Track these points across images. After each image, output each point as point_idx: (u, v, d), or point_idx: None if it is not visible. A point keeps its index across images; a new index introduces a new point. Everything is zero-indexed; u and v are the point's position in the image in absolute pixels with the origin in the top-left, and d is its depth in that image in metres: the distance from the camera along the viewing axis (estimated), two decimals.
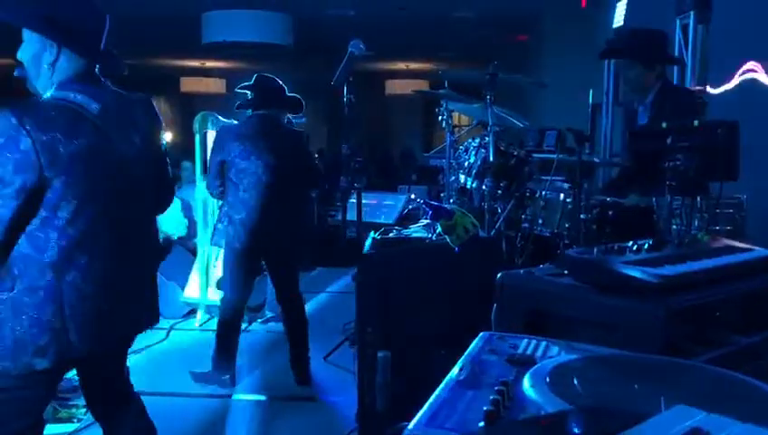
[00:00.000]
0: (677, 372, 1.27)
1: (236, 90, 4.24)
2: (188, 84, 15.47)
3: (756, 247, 2.16)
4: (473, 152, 3.79)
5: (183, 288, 5.63)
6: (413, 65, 15.53)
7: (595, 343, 1.43)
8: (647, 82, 3.57)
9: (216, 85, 15.34)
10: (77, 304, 1.97)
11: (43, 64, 2.01)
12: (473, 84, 4.37)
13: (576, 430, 0.93)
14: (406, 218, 4.88)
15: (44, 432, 2.18)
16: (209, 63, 14.60)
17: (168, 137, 10.77)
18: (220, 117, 5.45)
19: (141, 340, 3.45)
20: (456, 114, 4.85)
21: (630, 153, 3.84)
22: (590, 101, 3.48)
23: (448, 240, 2.83)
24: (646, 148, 3.25)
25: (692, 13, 4.55)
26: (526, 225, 3.68)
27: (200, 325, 5.46)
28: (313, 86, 8.59)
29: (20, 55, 2.06)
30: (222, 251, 5.62)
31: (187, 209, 6.16)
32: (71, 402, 3.58)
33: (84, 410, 3.43)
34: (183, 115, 14.87)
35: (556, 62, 9.06)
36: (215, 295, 5.56)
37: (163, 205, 2.44)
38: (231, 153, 3.91)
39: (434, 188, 6.78)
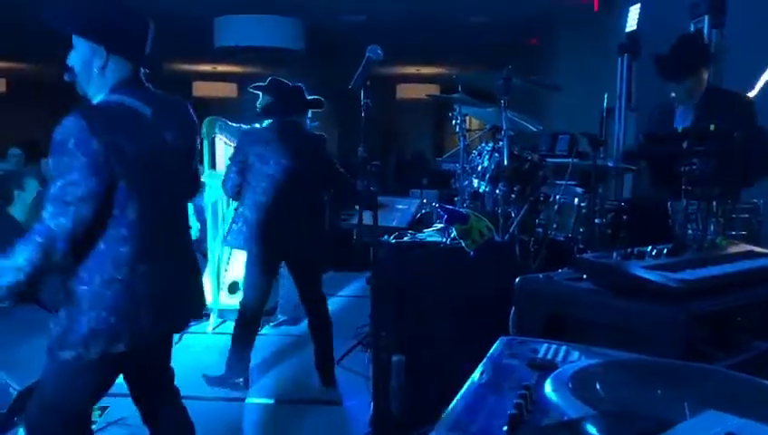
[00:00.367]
0: (700, 377, 1.26)
1: (250, 89, 4.26)
2: (201, 89, 15.52)
3: None
4: (486, 156, 3.79)
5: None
6: (424, 69, 15.52)
7: (615, 348, 1.42)
8: (700, 88, 3.51)
9: (228, 89, 15.38)
10: (148, 293, 2.14)
11: (94, 69, 2.11)
12: (485, 88, 4.37)
13: None
14: (418, 222, 4.87)
15: None
16: (221, 68, 14.65)
17: None
18: (229, 121, 5.46)
19: None
20: (467, 118, 4.84)
21: (644, 157, 3.83)
22: (605, 105, 3.45)
23: (463, 244, 2.83)
24: (661, 151, 3.24)
25: (706, 17, 4.53)
26: (540, 229, 3.67)
27: (213, 329, 5.46)
28: (325, 91, 8.60)
29: (70, 61, 2.15)
30: (233, 254, 5.69)
31: (200, 213, 6.17)
32: None
33: (99, 412, 3.44)
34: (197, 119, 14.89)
35: (568, 66, 9.03)
36: (227, 299, 5.58)
37: (191, 198, 2.63)
38: (251, 156, 3.94)
39: (445, 193, 6.77)
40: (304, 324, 4.43)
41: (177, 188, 2.33)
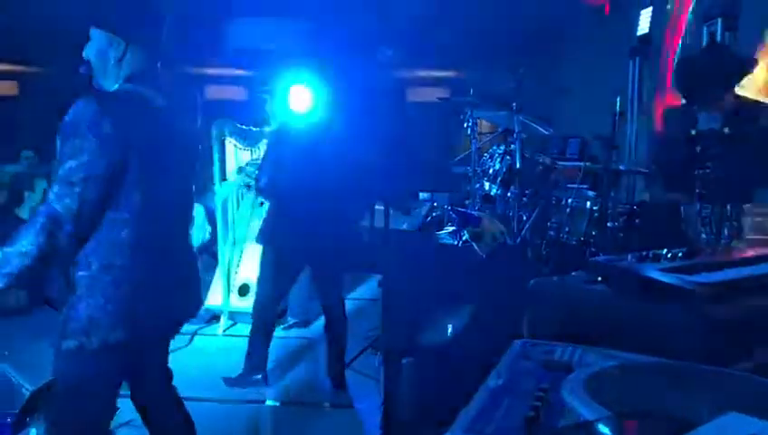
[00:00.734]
0: (718, 381, 1.24)
1: (261, 93, 4.28)
2: (212, 92, 15.56)
3: None
4: (497, 159, 3.78)
5: (206, 294, 5.65)
6: (435, 73, 15.51)
7: (630, 351, 1.41)
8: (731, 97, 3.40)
9: (237, 93, 15.43)
10: (148, 281, 2.11)
11: (110, 60, 2.13)
12: (496, 92, 4.36)
13: None
14: (429, 225, 4.86)
15: None
16: (231, 71, 14.69)
17: None
18: (238, 124, 5.47)
19: None
20: (478, 121, 4.83)
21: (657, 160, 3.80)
22: (618, 108, 3.44)
23: (476, 247, 2.82)
24: (676, 154, 3.22)
25: (719, 20, 4.52)
26: (552, 233, 3.66)
27: (224, 331, 5.47)
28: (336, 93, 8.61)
29: (86, 53, 2.16)
30: (243, 256, 5.70)
31: (211, 215, 6.19)
32: None
33: None
34: (208, 121, 14.96)
35: (579, 69, 9.00)
36: (237, 302, 5.58)
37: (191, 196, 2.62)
38: (282, 154, 3.98)
39: (456, 196, 6.76)
40: (314, 327, 4.44)
41: (181, 182, 2.33)
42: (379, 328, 4.50)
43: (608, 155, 3.34)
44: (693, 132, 3.04)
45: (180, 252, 2.34)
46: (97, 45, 2.13)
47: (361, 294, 6.69)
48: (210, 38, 9.69)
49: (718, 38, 4.43)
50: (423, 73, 15.30)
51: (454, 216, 2.95)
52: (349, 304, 6.33)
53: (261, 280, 4.19)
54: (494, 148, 3.94)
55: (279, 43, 9.66)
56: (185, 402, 2.62)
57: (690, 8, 5.30)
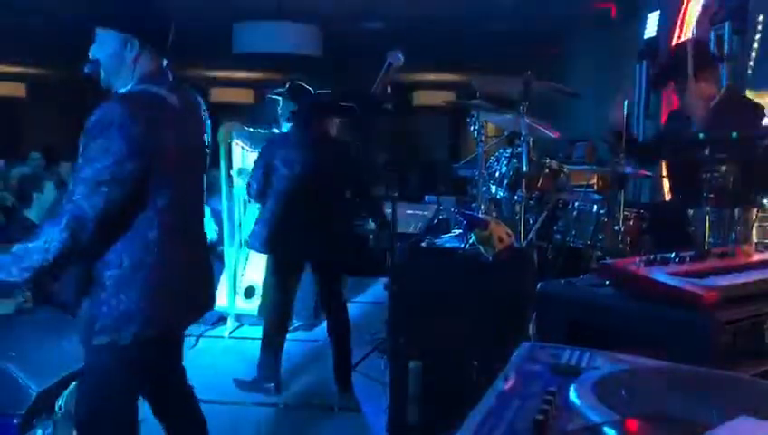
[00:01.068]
0: (728, 385, 1.24)
1: (271, 95, 4.28)
2: (218, 94, 15.61)
3: None
4: (504, 162, 3.77)
5: None
6: (441, 76, 15.51)
7: (639, 355, 1.41)
8: (709, 92, 3.38)
9: (245, 95, 15.48)
10: (176, 278, 2.18)
11: (126, 60, 2.13)
12: (503, 95, 4.34)
13: None
14: (435, 228, 4.86)
15: None
16: (239, 74, 14.74)
17: None
18: (246, 127, 5.48)
19: None
20: (485, 124, 4.82)
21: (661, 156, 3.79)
22: (625, 111, 3.43)
23: (483, 250, 2.81)
24: (682, 158, 3.21)
25: (727, 23, 4.51)
26: (558, 236, 3.65)
27: (230, 334, 5.47)
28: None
29: (94, 53, 2.16)
30: (249, 259, 5.70)
31: (217, 216, 6.20)
32: None
33: None
34: (215, 123, 15.00)
35: (585, 72, 9.01)
36: (243, 304, 5.58)
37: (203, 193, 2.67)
38: (276, 159, 3.98)
39: (462, 199, 6.75)
40: (320, 329, 4.44)
41: (198, 179, 2.37)
42: (384, 331, 4.50)
43: (616, 156, 3.33)
44: (701, 136, 3.02)
45: (199, 249, 2.40)
46: (107, 46, 2.13)
47: (367, 297, 6.69)
48: (217, 40, 9.70)
49: (726, 42, 4.43)
50: (430, 76, 15.33)
51: (460, 218, 2.94)
52: (355, 308, 6.34)
53: (268, 288, 4.20)
54: (501, 151, 3.93)
55: (287, 47, 9.66)
56: None
57: (698, 12, 5.29)
